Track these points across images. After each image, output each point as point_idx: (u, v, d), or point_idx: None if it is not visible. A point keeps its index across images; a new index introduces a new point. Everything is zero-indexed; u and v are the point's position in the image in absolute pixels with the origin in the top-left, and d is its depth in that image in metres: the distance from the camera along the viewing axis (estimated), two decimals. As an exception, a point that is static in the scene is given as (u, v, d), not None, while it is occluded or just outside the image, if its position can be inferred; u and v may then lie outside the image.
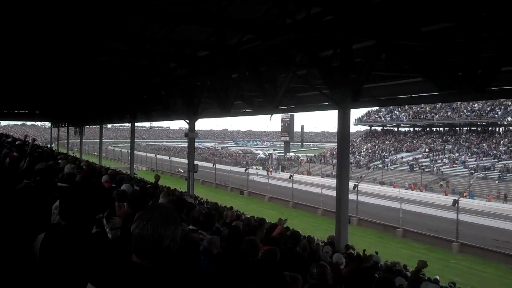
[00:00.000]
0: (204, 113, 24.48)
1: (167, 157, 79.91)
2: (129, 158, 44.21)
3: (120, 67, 16.12)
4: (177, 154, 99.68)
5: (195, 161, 26.73)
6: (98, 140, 51.24)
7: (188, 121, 25.01)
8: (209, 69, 15.41)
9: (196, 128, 26.12)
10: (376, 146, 79.12)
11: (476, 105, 68.46)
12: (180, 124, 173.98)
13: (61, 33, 11.48)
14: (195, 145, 29.31)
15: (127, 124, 67.15)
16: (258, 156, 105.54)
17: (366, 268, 9.37)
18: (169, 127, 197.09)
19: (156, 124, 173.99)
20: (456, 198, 33.35)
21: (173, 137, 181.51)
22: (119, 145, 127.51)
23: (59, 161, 10.36)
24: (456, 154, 64.83)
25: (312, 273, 4.23)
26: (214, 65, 14.59)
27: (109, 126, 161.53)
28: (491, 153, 60.82)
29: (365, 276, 3.95)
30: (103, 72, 17.38)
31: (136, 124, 40.30)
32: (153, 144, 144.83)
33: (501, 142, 62.30)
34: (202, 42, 12.63)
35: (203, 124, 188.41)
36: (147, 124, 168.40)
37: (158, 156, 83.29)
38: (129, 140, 41.91)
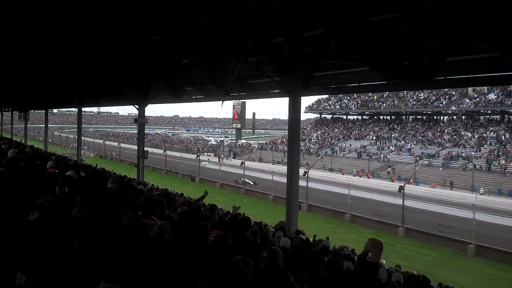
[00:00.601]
0: (154, 98, 24.10)
1: (116, 143, 78.39)
2: (76, 144, 43.11)
3: (66, 50, 15.63)
4: (126, 140, 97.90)
5: (145, 148, 26.37)
6: (44, 125, 49.54)
7: (137, 106, 24.58)
8: (160, 54, 15.18)
9: (146, 114, 25.70)
10: (326, 134, 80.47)
11: (421, 94, 70.75)
12: (129, 110, 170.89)
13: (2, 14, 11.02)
14: (145, 131, 28.88)
15: (74, 109, 65.22)
16: (210, 143, 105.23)
17: (315, 252, 9.58)
18: (118, 113, 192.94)
19: (104, 109, 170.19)
20: (402, 185, 34.45)
21: (122, 123, 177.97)
22: (66, 130, 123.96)
23: (2, 146, 10.01)
24: (402, 142, 66.87)
25: (262, 257, 4.28)
26: (165, 50, 14.39)
27: (55, 111, 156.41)
28: (436, 141, 63.07)
29: (313, 259, 4.05)
30: (48, 55, 16.80)
31: (83, 109, 39.22)
32: (101, 130, 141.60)
33: (445, 131, 64.69)
34: (152, 26, 12.42)
35: (153, 110, 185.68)
36: (95, 109, 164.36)
37: (107, 142, 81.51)
38: (76, 125, 40.81)
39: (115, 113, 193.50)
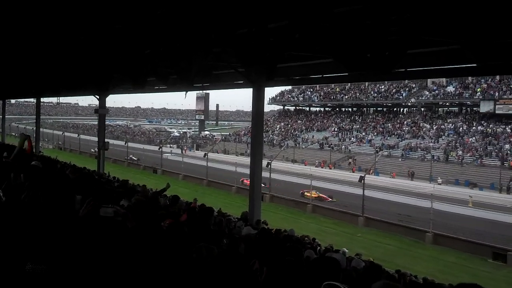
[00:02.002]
0: (116, 88, 23.69)
1: (75, 135, 76.74)
2: (34, 135, 41.96)
3: (23, 38, 15.13)
4: (86, 131, 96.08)
5: (105, 139, 25.93)
6: (0, 117, 48.00)
7: (98, 97, 24.13)
8: (122, 44, 14.89)
9: (107, 105, 25.27)
10: (289, 125, 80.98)
11: (382, 87, 72.02)
12: (89, 101, 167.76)
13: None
14: (106, 122, 28.38)
15: (32, 100, 63.43)
16: (173, 134, 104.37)
17: (276, 238, 9.67)
18: (77, 103, 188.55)
19: (63, 100, 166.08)
20: (362, 175, 35.07)
21: (82, 114, 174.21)
22: (24, 122, 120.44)
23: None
24: (363, 133, 67.98)
25: (223, 244, 4.31)
26: (127, 40, 14.13)
27: (13, 101, 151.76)
28: (395, 133, 64.38)
29: (274, 244, 4.09)
30: (4, 43, 16.23)
31: (42, 99, 38.24)
32: (60, 121, 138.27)
33: (405, 122, 66.11)
34: (114, 15, 12.15)
35: (114, 101, 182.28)
36: (54, 100, 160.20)
37: (66, 134, 79.68)
38: (35, 116, 39.73)
39: (75, 103, 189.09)
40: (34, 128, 40.83)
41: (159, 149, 58.75)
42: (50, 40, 15.30)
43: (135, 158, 59.12)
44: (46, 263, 1.92)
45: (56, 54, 17.96)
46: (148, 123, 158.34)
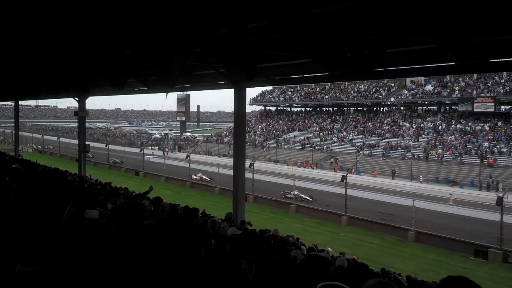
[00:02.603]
0: (95, 90, 23.45)
1: (55, 138, 75.78)
2: (13, 139, 41.40)
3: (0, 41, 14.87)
4: (66, 134, 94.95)
5: (86, 142, 25.66)
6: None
7: (78, 99, 23.86)
8: (101, 45, 14.73)
9: (86, 107, 25.01)
10: (271, 126, 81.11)
11: (362, 86, 72.60)
12: (68, 103, 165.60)
13: None
14: (86, 125, 28.08)
15: (10, 103, 62.49)
16: (154, 136, 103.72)
17: (263, 237, 9.68)
18: (56, 106, 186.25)
19: (42, 102, 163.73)
20: (344, 174, 35.26)
21: (62, 116, 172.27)
22: (2, 125, 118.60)
23: None
24: (344, 133, 68.41)
25: (211, 244, 4.31)
26: (106, 41, 13.98)
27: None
28: (376, 132, 64.91)
29: (262, 243, 4.08)
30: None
31: (20, 102, 37.71)
32: (39, 124, 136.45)
33: (385, 121, 66.71)
34: (92, 16, 12.00)
35: (93, 103, 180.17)
36: (32, 103, 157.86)
37: (46, 137, 78.71)
38: (13, 119, 39.18)
39: (54, 106, 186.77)
40: (13, 132, 40.24)
41: (140, 151, 58.31)
42: (28, 42, 15.07)
43: (118, 161, 58.45)
44: (36, 264, 1.92)
45: (34, 56, 17.70)
46: (128, 125, 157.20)
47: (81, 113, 24.75)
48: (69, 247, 2.22)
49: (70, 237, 2.46)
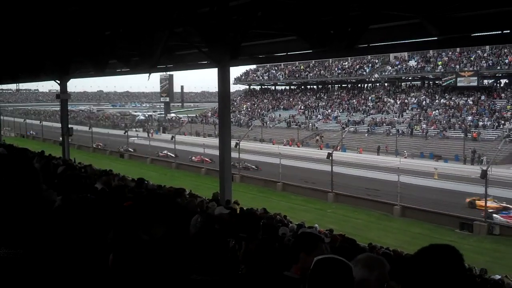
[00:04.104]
0: (76, 72, 23.12)
1: (37, 122, 74.90)
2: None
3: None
4: (48, 118, 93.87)
5: (69, 125, 25.36)
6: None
7: (59, 81, 23.49)
8: (80, 26, 14.46)
9: (68, 90, 24.64)
10: (255, 105, 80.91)
11: (346, 63, 72.53)
12: (50, 86, 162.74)
13: None
14: (68, 108, 27.71)
15: (-11, 87, 61.48)
16: (138, 117, 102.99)
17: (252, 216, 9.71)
18: (37, 90, 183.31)
19: (23, 86, 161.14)
20: (330, 152, 35.44)
21: (43, 100, 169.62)
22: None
23: None
24: (329, 110, 68.52)
25: (197, 222, 4.30)
26: (85, 21, 13.72)
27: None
28: (360, 109, 65.11)
29: (251, 221, 4.08)
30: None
31: (0, 86, 37.15)
32: (21, 108, 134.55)
33: (369, 98, 66.87)
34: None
35: (75, 85, 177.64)
36: (13, 87, 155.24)
37: (28, 121, 77.68)
38: (-7, 104, 38.64)
39: (35, 90, 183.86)
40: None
41: (124, 133, 57.88)
42: (6, 24, 14.72)
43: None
44: (21, 247, 1.93)
45: (13, 38, 17.33)
46: (111, 107, 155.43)
47: (63, 96, 24.38)
48: (54, 231, 2.19)
49: (54, 221, 2.43)
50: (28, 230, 2.03)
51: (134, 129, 78.09)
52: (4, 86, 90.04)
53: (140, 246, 2.22)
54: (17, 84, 72.04)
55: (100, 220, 3.41)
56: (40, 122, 72.54)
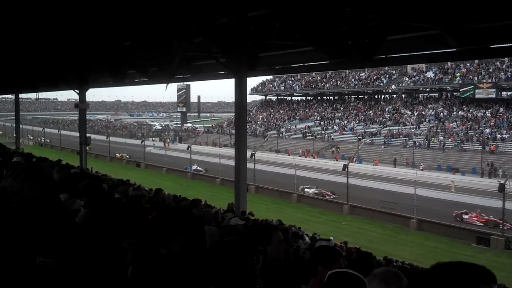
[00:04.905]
0: (95, 82, 23.37)
1: (56, 130, 75.79)
2: (14, 132, 41.47)
3: (-1, 33, 14.78)
4: (66, 127, 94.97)
5: (87, 134, 25.62)
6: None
7: (78, 91, 23.77)
8: (100, 36, 14.65)
9: (86, 99, 24.93)
10: (271, 115, 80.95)
11: (363, 74, 72.30)
12: (68, 95, 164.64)
13: None
14: (87, 117, 28.02)
15: (10, 96, 62.35)
16: (155, 127, 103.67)
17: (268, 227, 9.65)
18: (56, 99, 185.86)
19: (42, 95, 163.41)
20: (346, 163, 35.21)
21: (62, 109, 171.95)
22: (3, 118, 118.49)
23: None
24: (345, 121, 68.24)
25: (214, 234, 4.32)
26: (105, 32, 13.89)
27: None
28: (377, 120, 64.74)
29: (266, 232, 4.06)
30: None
31: (20, 96, 37.71)
32: (40, 117, 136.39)
33: (386, 109, 66.49)
34: (91, 7, 11.91)
35: (93, 95, 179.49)
36: (32, 96, 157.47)
37: (46, 130, 78.68)
38: (13, 113, 39.21)
39: (54, 99, 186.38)
40: (14, 125, 40.26)
41: (141, 142, 58.29)
42: (27, 34, 14.98)
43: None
44: (57, 257, 1.97)
45: (34, 49, 17.62)
46: (129, 117, 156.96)
47: (82, 105, 24.65)
48: (82, 241, 2.24)
49: (81, 231, 2.47)
50: (62, 240, 2.07)
51: (151, 139, 78.60)
52: (24, 95, 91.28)
53: (157, 260, 2.22)
54: (37, 93, 73.19)
55: (119, 230, 3.44)
56: (58, 131, 73.37)
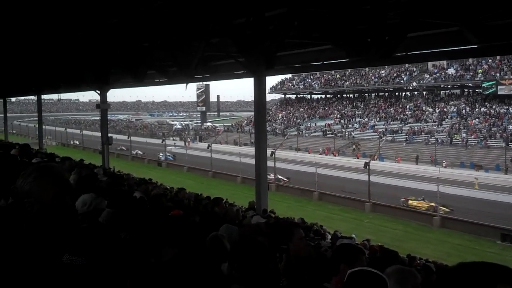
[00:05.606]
0: (116, 83, 23.65)
1: (78, 131, 76.84)
2: (37, 133, 42.18)
3: (23, 36, 15.07)
4: (88, 127, 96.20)
5: (108, 134, 25.94)
6: (2, 115, 48.10)
7: (99, 92, 24.08)
8: (120, 38, 14.83)
9: (107, 100, 25.24)
10: (291, 114, 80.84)
11: (383, 71, 71.68)
12: (90, 96, 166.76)
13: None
14: (108, 117, 28.38)
15: (33, 97, 63.30)
16: (175, 127, 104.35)
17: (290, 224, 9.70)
18: (78, 99, 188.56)
19: (64, 96, 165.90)
20: (367, 161, 35.00)
21: (83, 109, 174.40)
22: (26, 119, 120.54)
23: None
24: (366, 119, 67.78)
25: (234, 233, 4.39)
26: (125, 33, 14.07)
27: (13, 100, 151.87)
28: (398, 117, 64.16)
29: (289, 231, 4.09)
30: (3, 42, 16.18)
31: (42, 97, 38.32)
32: (62, 117, 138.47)
33: (407, 107, 65.84)
34: (111, 8, 12.08)
35: (114, 96, 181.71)
36: (54, 97, 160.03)
37: (69, 130, 79.84)
38: (36, 114, 39.88)
39: (76, 100, 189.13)
40: (36, 126, 40.92)
41: (162, 142, 58.75)
42: (49, 36, 15.25)
43: (141, 152, 59.35)
44: (83, 255, 2.00)
45: (55, 50, 17.92)
46: (149, 117, 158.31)
47: (103, 106, 24.97)
48: (111, 240, 2.30)
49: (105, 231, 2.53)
50: (88, 238, 2.11)
51: (172, 138, 79.15)
52: (46, 96, 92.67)
53: (148, 268, 2.26)
54: (59, 94, 74.24)
55: (142, 230, 3.50)
56: (80, 131, 74.36)
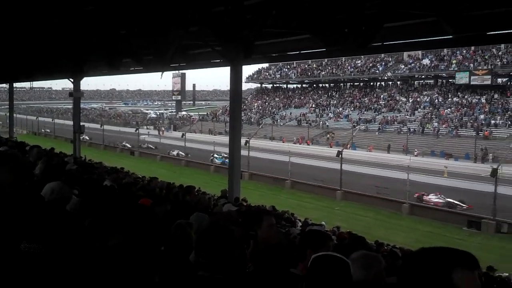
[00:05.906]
0: (90, 71, 23.33)
1: (50, 119, 75.48)
2: (8, 121, 41.40)
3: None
4: (61, 115, 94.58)
5: (81, 122, 25.64)
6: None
7: (72, 80, 23.74)
8: (95, 25, 14.62)
9: (81, 88, 24.90)
10: (266, 103, 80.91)
11: (359, 62, 72.24)
12: (63, 85, 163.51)
13: None
14: (81, 106, 28.00)
15: (4, 85, 61.83)
16: (149, 115, 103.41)
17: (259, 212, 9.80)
18: (51, 88, 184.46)
19: (36, 84, 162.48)
20: (340, 150, 35.36)
21: (56, 98, 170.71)
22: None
23: None
24: (340, 109, 68.32)
25: (203, 221, 4.42)
26: (101, 21, 13.88)
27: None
28: (372, 107, 64.86)
29: (257, 218, 4.16)
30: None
31: (14, 85, 37.61)
32: (34, 106, 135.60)
33: (381, 96, 66.58)
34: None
35: (88, 84, 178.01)
36: (27, 85, 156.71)
37: (40, 119, 78.30)
38: (7, 102, 39.10)
39: (48, 88, 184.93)
40: (7, 114, 40.12)
41: (135, 131, 58.09)
42: (22, 23, 14.92)
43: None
44: (41, 243, 1.97)
45: (29, 37, 17.55)
46: (123, 105, 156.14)
47: (76, 94, 24.63)
48: (71, 228, 2.27)
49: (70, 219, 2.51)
50: (48, 226, 2.08)
51: (145, 127, 78.40)
52: (18, 84, 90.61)
53: (96, 252, 2.27)
54: (31, 82, 72.60)
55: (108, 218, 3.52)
56: (52, 120, 73.06)
